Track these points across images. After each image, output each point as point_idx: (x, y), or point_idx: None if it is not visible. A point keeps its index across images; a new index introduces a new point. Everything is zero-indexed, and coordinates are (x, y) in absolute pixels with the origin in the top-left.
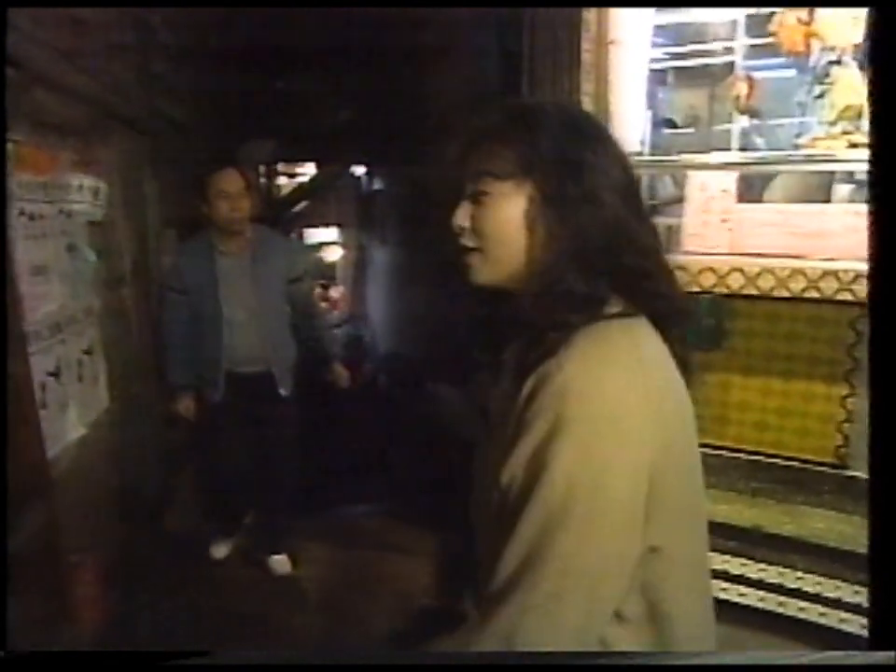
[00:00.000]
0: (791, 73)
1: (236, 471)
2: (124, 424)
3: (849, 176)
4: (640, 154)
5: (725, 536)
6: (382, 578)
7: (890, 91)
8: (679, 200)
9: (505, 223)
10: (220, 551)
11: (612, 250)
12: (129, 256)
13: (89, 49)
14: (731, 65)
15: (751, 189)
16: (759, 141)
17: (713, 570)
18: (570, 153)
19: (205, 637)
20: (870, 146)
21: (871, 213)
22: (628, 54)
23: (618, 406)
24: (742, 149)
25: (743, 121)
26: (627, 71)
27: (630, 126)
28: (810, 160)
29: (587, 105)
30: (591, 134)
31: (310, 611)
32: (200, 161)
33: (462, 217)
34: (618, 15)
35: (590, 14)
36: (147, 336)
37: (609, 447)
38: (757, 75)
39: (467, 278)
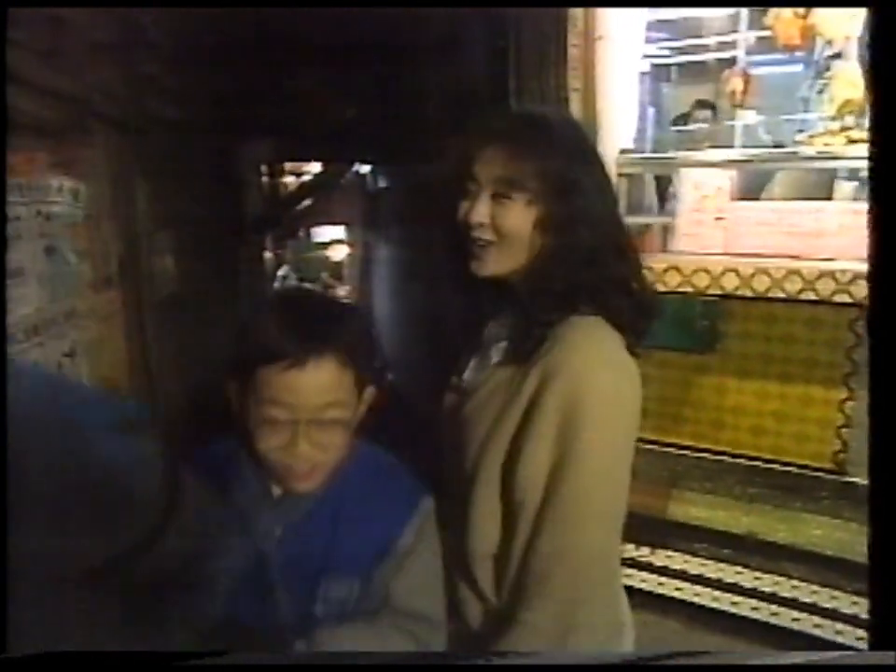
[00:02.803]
0: (798, 68)
1: None
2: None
3: (852, 173)
4: (630, 152)
5: (720, 543)
6: None
7: (891, 90)
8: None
9: (522, 224)
10: None
11: (597, 261)
12: (115, 257)
13: (69, 48)
14: (735, 60)
15: (751, 187)
16: (766, 137)
17: (707, 579)
18: (578, 174)
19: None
20: (870, 145)
21: (871, 212)
22: (618, 50)
23: (617, 388)
24: (746, 146)
25: (746, 118)
26: (617, 67)
27: (621, 123)
28: (807, 157)
29: (575, 101)
30: (589, 153)
31: None
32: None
33: (482, 214)
34: (606, 10)
35: (577, 9)
36: (135, 338)
37: (618, 427)
38: (757, 70)
39: (475, 269)
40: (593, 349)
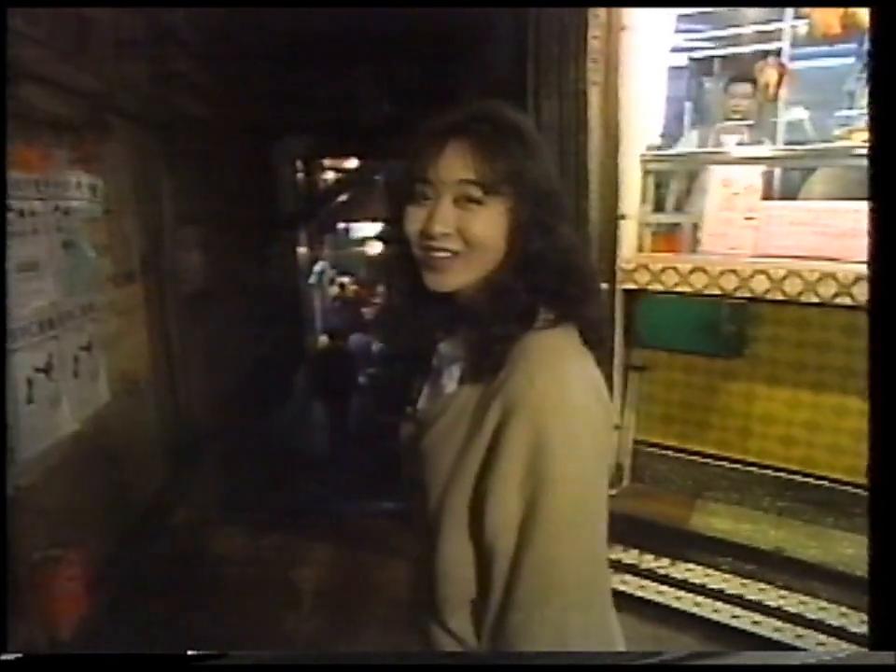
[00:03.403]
0: (849, 60)
1: None
2: (127, 419)
3: None
4: (659, 148)
5: (744, 558)
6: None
7: (891, 90)
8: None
9: (494, 232)
10: None
11: (565, 268)
12: (137, 252)
13: (92, 45)
14: (778, 53)
15: (787, 185)
16: (812, 133)
17: (728, 594)
18: (547, 174)
19: (201, 637)
20: (870, 144)
21: (871, 212)
22: (643, 41)
23: (584, 413)
24: (788, 143)
25: (790, 113)
26: (642, 59)
27: (646, 119)
28: (844, 153)
29: (594, 95)
30: (545, 152)
31: (305, 613)
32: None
33: (446, 222)
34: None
35: None
36: (157, 332)
37: (590, 454)
38: (802, 63)
39: (432, 284)
40: (556, 372)
